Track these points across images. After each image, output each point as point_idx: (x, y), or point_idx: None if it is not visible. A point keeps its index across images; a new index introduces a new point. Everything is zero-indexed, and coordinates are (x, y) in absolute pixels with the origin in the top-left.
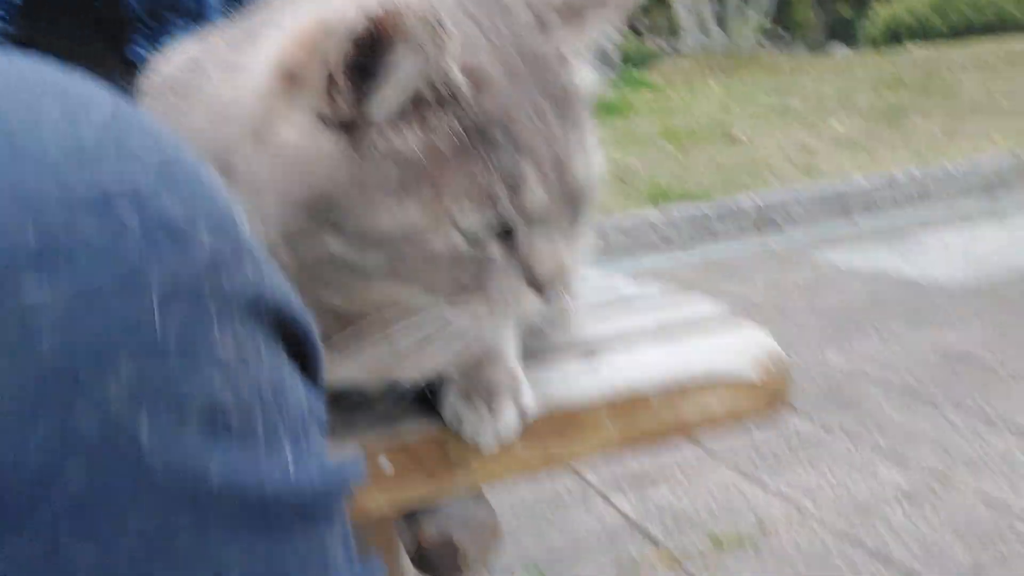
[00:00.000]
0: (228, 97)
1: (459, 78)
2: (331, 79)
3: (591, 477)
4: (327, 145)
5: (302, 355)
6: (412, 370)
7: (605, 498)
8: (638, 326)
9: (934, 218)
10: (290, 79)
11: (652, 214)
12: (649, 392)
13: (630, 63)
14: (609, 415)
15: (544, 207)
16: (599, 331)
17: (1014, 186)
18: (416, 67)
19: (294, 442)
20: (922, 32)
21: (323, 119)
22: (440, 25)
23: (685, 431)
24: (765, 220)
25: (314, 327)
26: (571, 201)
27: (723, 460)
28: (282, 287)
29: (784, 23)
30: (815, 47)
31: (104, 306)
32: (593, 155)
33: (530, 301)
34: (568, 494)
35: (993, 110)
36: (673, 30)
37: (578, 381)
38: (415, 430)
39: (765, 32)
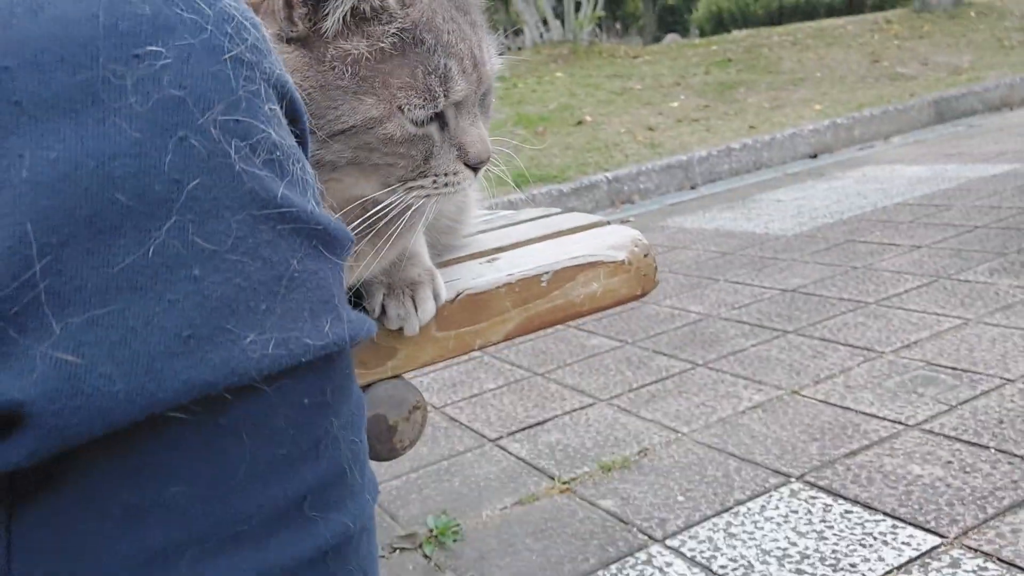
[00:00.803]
0: None
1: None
2: (288, 4)
3: (487, 431)
4: (291, 59)
5: (302, 139)
6: (348, 279)
7: (500, 447)
8: (529, 235)
9: (768, 181)
10: (260, 12)
11: (515, 196)
12: (541, 277)
13: None
14: (509, 298)
15: (466, 96)
16: (497, 242)
17: (832, 147)
18: None
19: (313, 196)
20: (743, 19)
21: (283, 39)
22: None
23: (575, 311)
24: (617, 194)
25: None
26: (482, 90)
27: (604, 402)
28: (291, 83)
29: (617, 16)
30: (648, 36)
31: (199, 62)
32: (494, 52)
33: (466, 177)
34: (467, 449)
35: (810, 81)
36: (514, 26)
37: (482, 274)
38: None
39: (600, 24)
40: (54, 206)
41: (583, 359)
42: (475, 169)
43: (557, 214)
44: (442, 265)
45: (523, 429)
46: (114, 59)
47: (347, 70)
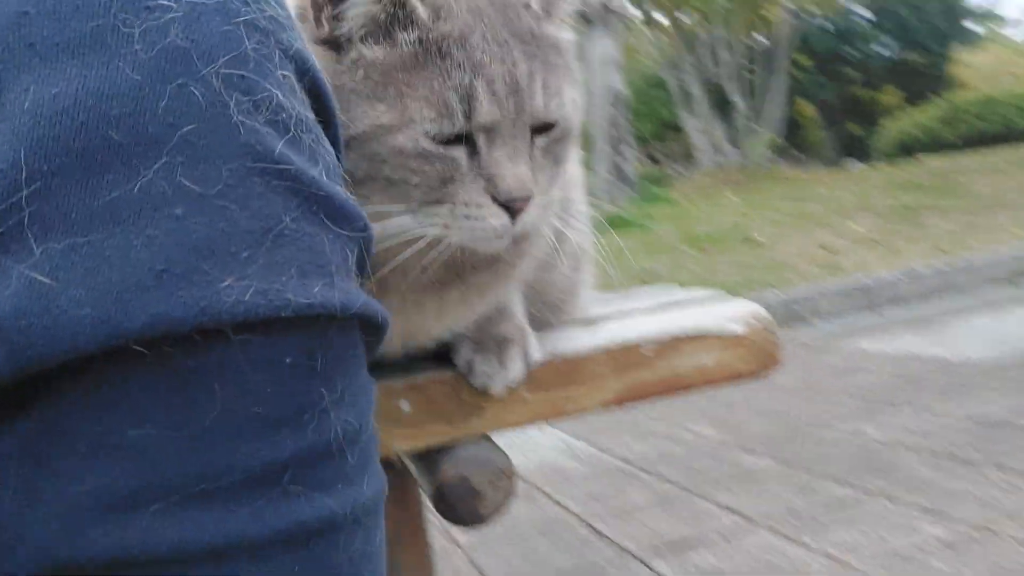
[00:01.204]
0: None
1: (416, 4)
2: (317, 6)
3: (629, 544)
4: (317, 60)
5: (326, 122)
6: (435, 331)
7: (645, 564)
8: (638, 305)
9: (959, 306)
10: (300, 20)
11: None
12: (643, 344)
13: (649, 182)
14: (608, 365)
15: (495, 121)
16: (601, 312)
17: None
18: None
19: (324, 169)
20: (932, 144)
21: (316, 40)
22: None
23: (683, 384)
24: (792, 315)
25: (334, 102)
26: (530, 124)
27: (762, 524)
28: (314, 61)
29: (794, 142)
30: (828, 163)
31: (210, 19)
32: (561, 94)
33: (492, 214)
34: (608, 563)
35: (1007, 206)
36: (688, 154)
37: (579, 338)
38: (432, 377)
39: (778, 150)
40: (49, 136)
41: (742, 479)
42: (508, 209)
43: (675, 288)
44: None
45: (671, 548)
46: (125, 9)
47: (363, 74)
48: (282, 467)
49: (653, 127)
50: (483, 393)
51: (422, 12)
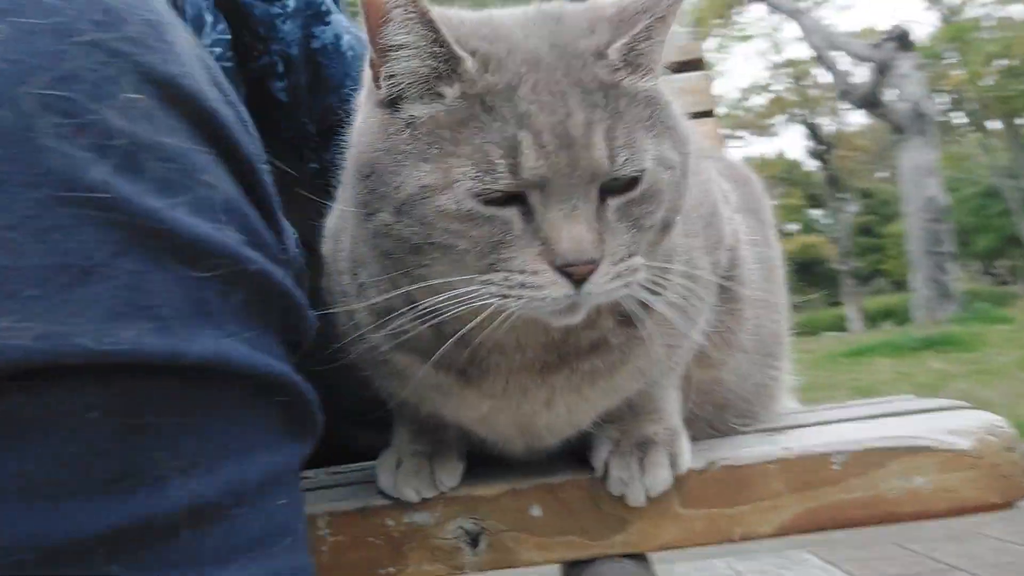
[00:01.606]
0: None
1: (461, 54)
2: (374, 65)
3: None
4: (372, 120)
5: (243, 172)
6: (549, 421)
7: None
8: (836, 415)
9: None
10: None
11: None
12: (832, 456)
13: (985, 301)
14: (783, 479)
15: (544, 176)
16: (793, 418)
17: None
18: (410, 42)
19: (192, 202)
20: None
21: (377, 104)
22: (416, 2)
23: (888, 511)
24: None
25: (257, 146)
26: (592, 180)
27: None
28: (195, 84)
29: None
30: None
31: (40, 39)
32: (639, 148)
33: (549, 281)
34: None
35: None
36: None
37: (751, 446)
38: (568, 479)
39: None
40: None
41: None
42: (568, 276)
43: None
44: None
45: None
46: None
47: (409, 134)
48: (93, 542)
49: (990, 241)
50: (622, 502)
51: (469, 65)
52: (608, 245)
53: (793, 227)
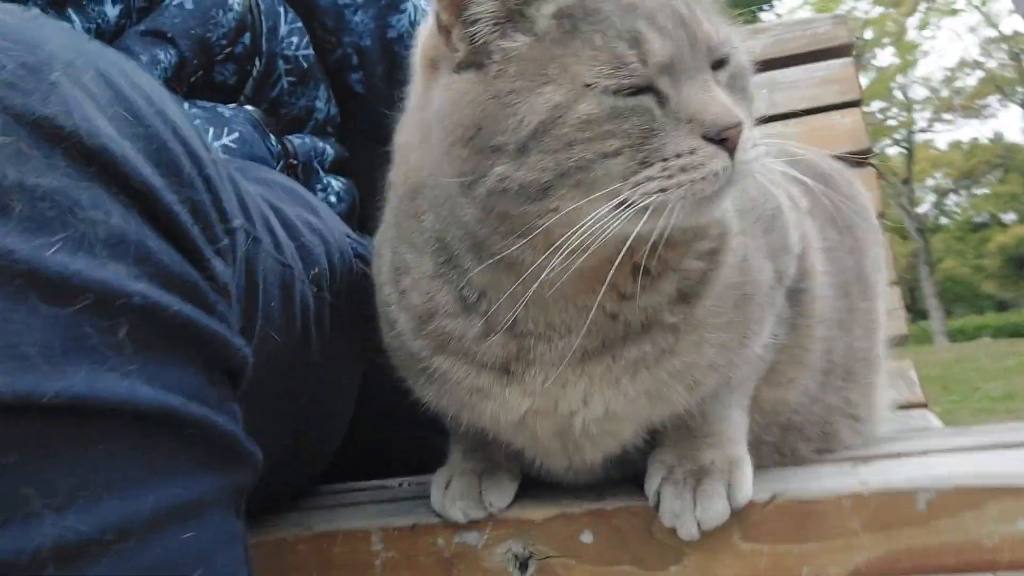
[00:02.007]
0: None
1: None
2: (445, 31)
3: None
4: (463, 84)
5: (142, 205)
6: (585, 422)
7: None
8: (937, 445)
9: None
10: (431, 65)
11: None
12: (918, 492)
13: None
14: (859, 516)
15: (673, 56)
16: (883, 447)
17: None
18: None
19: (70, 241)
20: None
21: (459, 68)
22: None
23: (981, 559)
24: None
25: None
26: (707, 55)
27: None
28: (82, 124)
29: None
30: None
31: None
32: (719, 25)
33: (710, 155)
34: None
35: None
36: None
37: (825, 477)
38: (621, 505)
39: None
40: None
41: None
42: (723, 144)
43: None
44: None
45: None
46: None
47: (515, 69)
48: None
49: None
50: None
51: None
52: (740, 112)
53: (1010, 217)
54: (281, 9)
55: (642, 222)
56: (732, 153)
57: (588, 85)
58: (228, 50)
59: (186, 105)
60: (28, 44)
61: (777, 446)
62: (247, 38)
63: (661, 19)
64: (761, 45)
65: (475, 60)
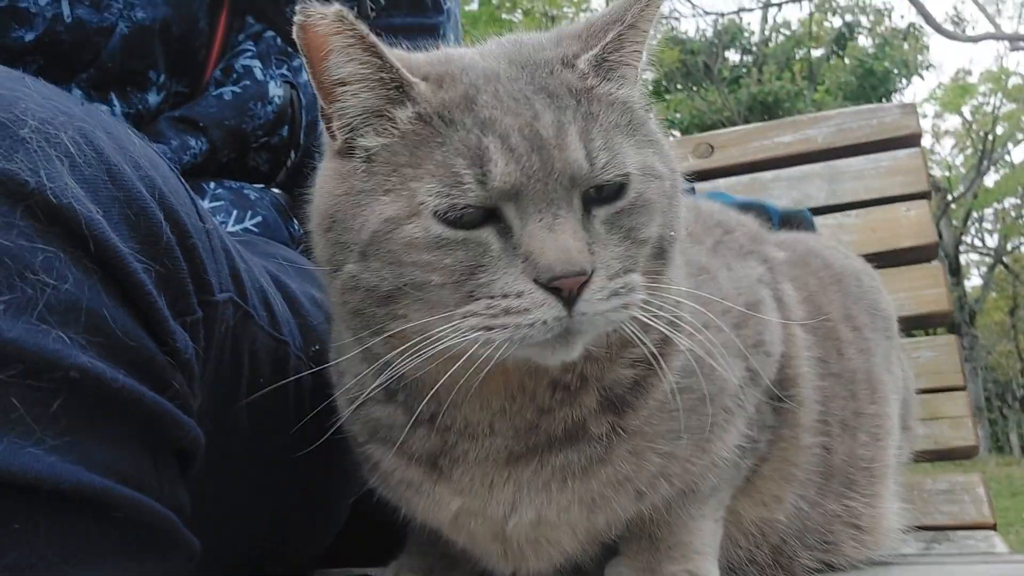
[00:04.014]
0: None
1: (411, 78)
2: (327, 119)
3: None
4: (329, 170)
5: (106, 272)
6: (517, 528)
7: None
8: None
9: None
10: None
11: None
12: None
13: None
14: None
15: (517, 183)
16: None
17: None
18: (356, 72)
19: (12, 308)
20: None
21: (334, 155)
22: (350, 23)
23: None
24: None
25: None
26: (568, 184)
27: None
28: (81, 206)
29: None
30: None
31: None
32: (621, 153)
33: (537, 302)
34: None
35: None
36: None
37: None
38: None
39: None
40: None
41: None
42: (557, 293)
43: None
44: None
45: None
46: None
47: (365, 168)
48: None
49: None
50: None
51: (421, 87)
52: (600, 257)
53: None
54: None
55: (485, 350)
56: (570, 303)
57: (421, 203)
58: (264, 140)
59: (212, 184)
60: (2, 101)
61: (770, 564)
62: (284, 131)
63: (515, 139)
64: (824, 133)
65: (347, 151)
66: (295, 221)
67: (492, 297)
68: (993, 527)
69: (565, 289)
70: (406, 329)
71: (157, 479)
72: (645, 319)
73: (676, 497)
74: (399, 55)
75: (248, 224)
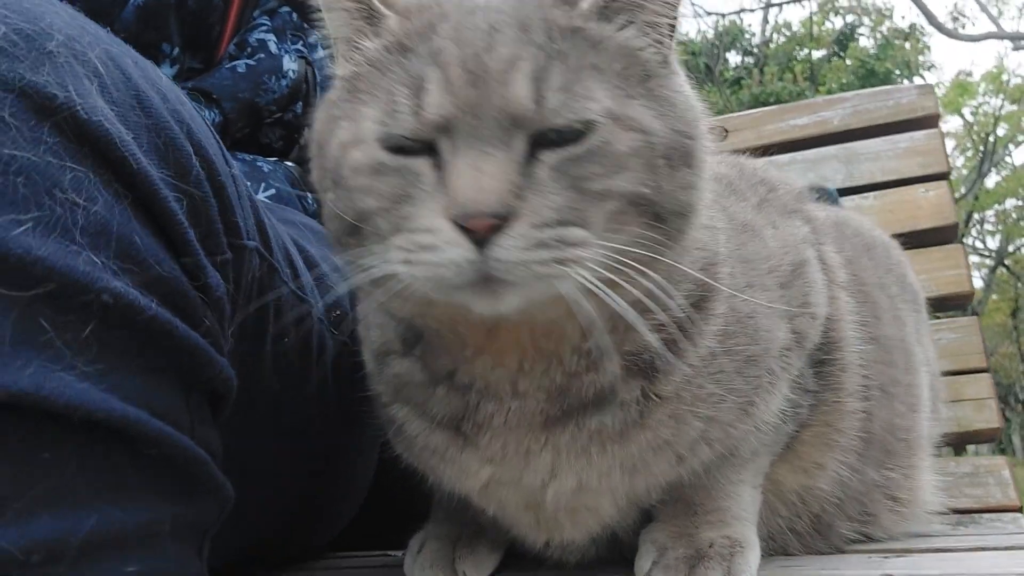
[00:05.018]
0: None
1: (381, 9)
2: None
3: None
4: (325, 98)
5: (137, 195)
6: (557, 496)
7: None
8: (1001, 543)
9: None
10: None
11: None
12: None
13: None
14: None
15: (450, 116)
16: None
17: None
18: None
19: (31, 212)
20: None
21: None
22: None
23: None
24: None
25: (155, 182)
26: (508, 122)
27: None
28: (112, 126)
29: None
30: None
31: None
32: (588, 97)
33: (447, 240)
34: None
35: None
36: None
37: (842, 569)
38: None
39: None
40: None
41: None
42: (469, 234)
43: None
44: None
45: None
46: None
47: (338, 95)
48: None
49: None
50: None
51: (391, 21)
52: (530, 203)
53: None
54: None
55: (422, 287)
56: (484, 246)
57: (366, 129)
58: (277, 116)
59: None
60: (27, 13)
61: (810, 532)
62: (298, 107)
63: (455, 71)
64: (839, 115)
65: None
66: (308, 194)
67: (412, 232)
68: (1019, 509)
69: (477, 230)
70: (371, 263)
71: (189, 418)
72: (631, 288)
73: (716, 461)
74: None
75: (261, 196)
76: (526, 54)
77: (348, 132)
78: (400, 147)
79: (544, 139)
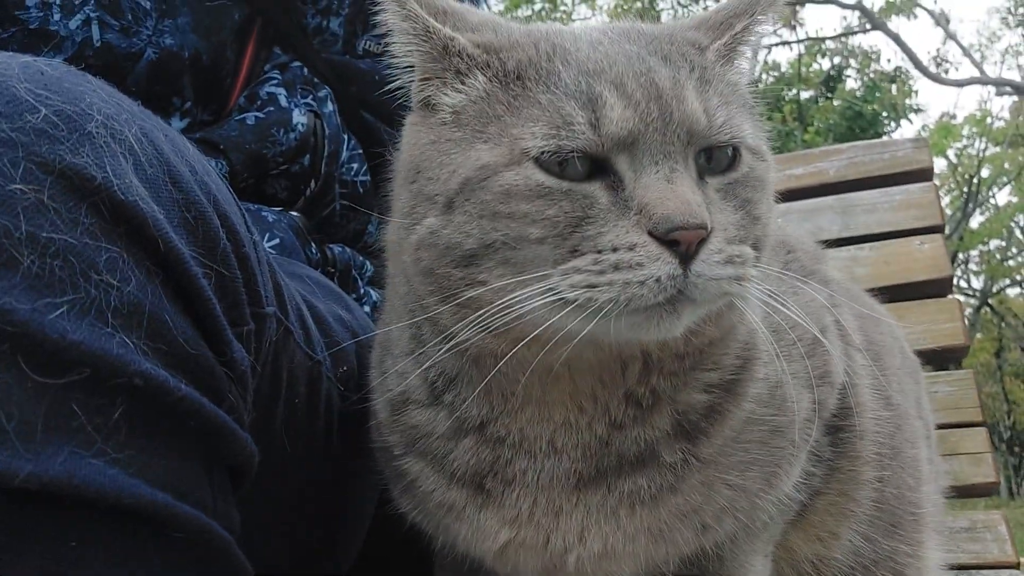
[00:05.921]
0: None
1: (466, 46)
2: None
3: None
4: (415, 121)
5: (169, 275)
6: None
7: None
8: None
9: None
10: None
11: None
12: None
13: None
14: None
15: (635, 131)
16: None
17: None
18: (408, 34)
19: (66, 295)
20: None
21: (416, 106)
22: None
23: None
24: None
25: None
26: (686, 139)
27: None
28: (113, 181)
29: None
30: None
31: None
32: (738, 121)
33: (652, 255)
34: None
35: None
36: None
37: None
38: None
39: None
40: None
41: None
42: (674, 247)
43: None
44: None
45: None
46: None
47: (457, 119)
48: None
49: None
50: None
51: (475, 54)
52: (717, 220)
53: None
54: (345, 136)
55: (576, 319)
56: (686, 261)
57: (525, 151)
58: (284, 168)
59: None
60: (68, 94)
61: None
62: (306, 160)
63: (631, 86)
64: (836, 166)
65: (428, 100)
66: (313, 244)
67: (600, 251)
68: (1017, 566)
69: (683, 243)
70: (482, 296)
71: (212, 496)
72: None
73: (731, 534)
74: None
75: (266, 246)
76: (684, 76)
77: (494, 154)
78: (563, 170)
79: (702, 165)
